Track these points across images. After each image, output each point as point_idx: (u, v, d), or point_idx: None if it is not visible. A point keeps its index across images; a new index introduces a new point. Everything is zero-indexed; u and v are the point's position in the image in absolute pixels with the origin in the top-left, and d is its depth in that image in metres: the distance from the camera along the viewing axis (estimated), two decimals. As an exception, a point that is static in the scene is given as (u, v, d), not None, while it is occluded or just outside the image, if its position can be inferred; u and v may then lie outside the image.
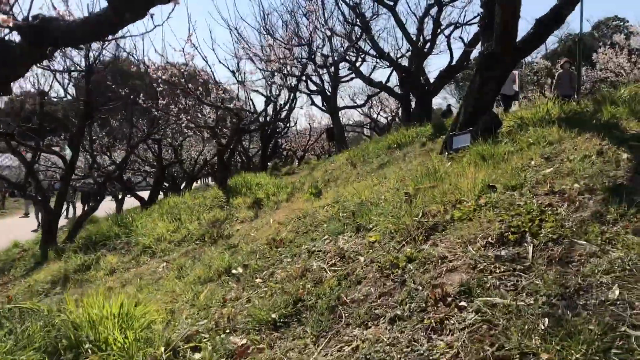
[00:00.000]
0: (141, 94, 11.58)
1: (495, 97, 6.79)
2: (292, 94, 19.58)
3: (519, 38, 6.54)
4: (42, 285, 7.85)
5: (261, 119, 17.35)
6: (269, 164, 20.04)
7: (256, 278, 4.44)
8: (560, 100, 13.55)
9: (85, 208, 21.14)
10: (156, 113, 12.05)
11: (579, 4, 12.13)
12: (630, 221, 3.10)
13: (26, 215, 26.73)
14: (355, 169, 10.52)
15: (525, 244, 3.18)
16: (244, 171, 19.06)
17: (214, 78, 10.78)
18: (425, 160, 7.03)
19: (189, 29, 10.01)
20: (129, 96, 11.94)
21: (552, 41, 43.76)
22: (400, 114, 24.98)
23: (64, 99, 12.78)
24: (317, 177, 11.08)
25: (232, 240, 6.32)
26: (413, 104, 17.15)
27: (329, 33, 17.09)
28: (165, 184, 29.19)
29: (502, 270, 2.96)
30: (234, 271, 4.79)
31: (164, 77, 9.73)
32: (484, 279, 2.90)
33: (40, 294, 7.56)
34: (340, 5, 16.29)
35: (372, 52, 17.48)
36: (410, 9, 22.69)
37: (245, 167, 22.18)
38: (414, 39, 15.86)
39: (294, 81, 18.42)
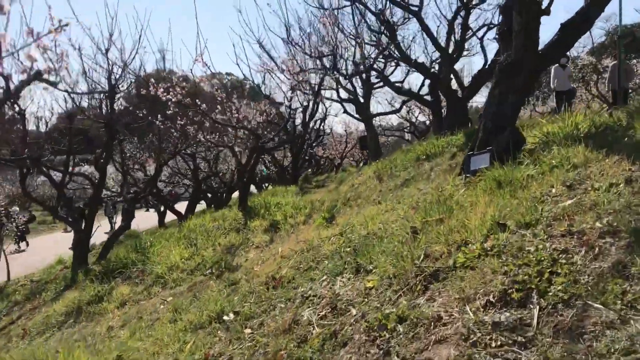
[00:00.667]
0: (159, 115, 11.47)
1: (517, 111, 6.19)
2: (316, 105, 19.14)
3: (542, 45, 5.97)
4: (57, 317, 7.74)
5: (290, 130, 17.03)
6: (301, 175, 19.69)
7: (245, 327, 4.09)
8: (620, 94, 12.83)
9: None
10: (175, 133, 11.94)
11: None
12: (659, 277, 2.58)
13: (66, 231, 27.33)
14: (380, 184, 10.05)
15: (531, 306, 2.70)
16: (278, 183, 18.82)
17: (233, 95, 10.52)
18: (444, 182, 6.53)
19: (196, 48, 9.76)
20: (148, 117, 11.87)
21: (599, 34, 41.69)
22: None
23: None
24: (341, 192, 10.65)
25: (236, 275, 5.98)
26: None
27: (358, 40, 16.67)
28: (209, 194, 29.42)
29: (498, 343, 2.48)
30: (225, 317, 4.46)
31: (173, 99, 9.53)
32: (476, 356, 2.44)
33: (54, 327, 7.45)
34: (364, 14, 15.77)
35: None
36: (441, 12, 21.95)
37: (279, 178, 21.97)
38: (444, 43, 15.22)
39: (323, 92, 18.03)
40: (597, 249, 2.99)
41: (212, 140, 11.54)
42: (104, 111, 12.06)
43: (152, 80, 10.00)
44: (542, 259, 3.03)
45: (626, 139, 4.72)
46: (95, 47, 10.92)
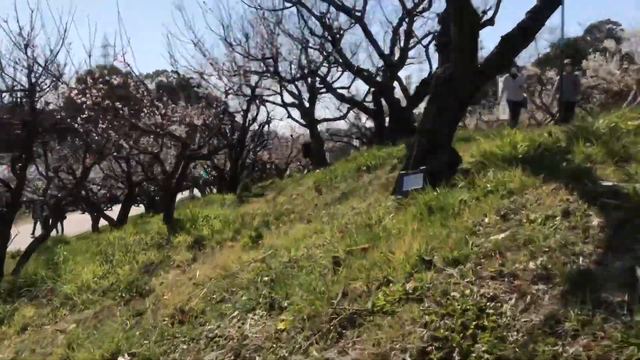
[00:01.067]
0: (78, 118, 10.62)
1: (454, 128, 5.88)
2: (257, 108, 18.55)
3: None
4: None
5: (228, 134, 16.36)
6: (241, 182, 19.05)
7: (139, 374, 3.54)
8: (564, 107, 12.84)
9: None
10: (96, 137, 11.14)
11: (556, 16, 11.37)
12: (595, 337, 2.22)
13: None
14: (318, 197, 9.67)
15: (452, 371, 2.29)
16: (217, 191, 18.05)
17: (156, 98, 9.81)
18: (377, 200, 6.17)
19: (115, 45, 9.13)
20: (67, 118, 10.99)
21: (543, 45, 42.69)
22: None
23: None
24: (277, 204, 10.18)
25: (145, 302, 5.40)
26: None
27: (301, 44, 16.26)
28: (144, 200, 28.16)
29: None
30: (120, 359, 3.88)
31: (88, 102, 8.78)
32: None
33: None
34: (307, 20, 15.31)
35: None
36: (387, 19, 21.47)
37: (219, 185, 21.24)
38: (389, 50, 14.97)
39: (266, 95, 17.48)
40: (528, 297, 2.64)
41: (133, 146, 10.80)
42: (24, 110, 11.13)
43: (66, 81, 9.24)
44: (468, 308, 2.64)
45: (565, 163, 4.45)
46: (12, 41, 10.04)
